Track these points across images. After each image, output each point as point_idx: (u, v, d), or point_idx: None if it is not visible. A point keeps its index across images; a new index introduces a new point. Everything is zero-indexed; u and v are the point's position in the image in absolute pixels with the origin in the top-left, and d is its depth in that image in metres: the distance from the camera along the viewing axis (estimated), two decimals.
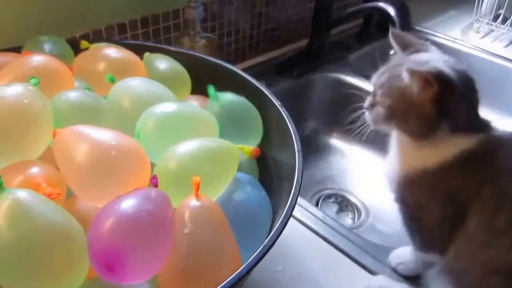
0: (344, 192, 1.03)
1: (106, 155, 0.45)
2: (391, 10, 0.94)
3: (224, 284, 0.38)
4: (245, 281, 0.44)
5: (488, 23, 1.31)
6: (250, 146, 0.55)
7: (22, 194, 0.39)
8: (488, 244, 0.51)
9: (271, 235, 0.43)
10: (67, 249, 0.39)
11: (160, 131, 0.53)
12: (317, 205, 0.99)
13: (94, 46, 0.67)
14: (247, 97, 0.62)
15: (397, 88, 0.55)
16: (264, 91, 0.64)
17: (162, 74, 0.65)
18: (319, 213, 0.74)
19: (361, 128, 0.62)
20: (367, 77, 1.04)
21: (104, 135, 0.46)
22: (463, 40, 1.29)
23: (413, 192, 0.57)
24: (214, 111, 0.59)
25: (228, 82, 0.67)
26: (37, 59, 0.58)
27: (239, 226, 0.48)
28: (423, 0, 1.47)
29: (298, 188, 0.49)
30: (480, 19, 1.31)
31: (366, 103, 0.60)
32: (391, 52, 0.64)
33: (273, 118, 0.61)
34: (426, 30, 1.34)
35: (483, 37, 1.30)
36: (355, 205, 1.00)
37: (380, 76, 0.59)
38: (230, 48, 1.12)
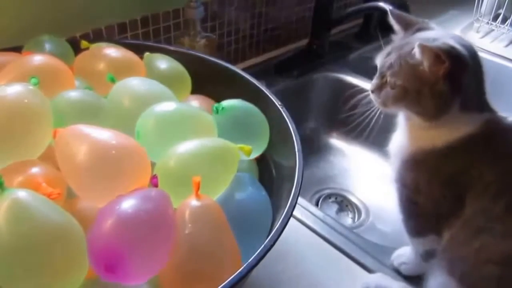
0: (344, 192, 1.03)
1: (106, 154, 0.45)
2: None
3: (225, 284, 0.38)
4: (245, 281, 0.43)
5: (488, 23, 1.31)
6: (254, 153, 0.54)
7: (22, 194, 0.39)
8: (483, 230, 0.51)
9: (271, 235, 0.43)
10: (67, 249, 0.39)
11: (160, 131, 0.53)
12: (317, 204, 0.99)
13: (94, 45, 0.67)
14: (247, 97, 0.62)
15: (409, 67, 0.53)
16: (264, 91, 0.64)
17: (162, 74, 0.65)
18: (319, 213, 0.74)
19: (364, 121, 0.62)
20: (367, 76, 1.04)
21: (104, 135, 0.46)
22: None
23: (416, 173, 0.57)
24: (218, 119, 0.58)
25: (228, 82, 0.67)
26: (38, 59, 0.58)
27: (239, 226, 0.48)
28: None
29: (298, 188, 0.49)
30: (480, 19, 1.31)
31: (372, 86, 0.59)
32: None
33: (273, 118, 0.61)
34: None
35: (483, 36, 1.30)
36: (355, 205, 1.00)
37: (386, 56, 0.57)
38: (230, 48, 1.12)
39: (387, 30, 0.61)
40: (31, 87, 0.50)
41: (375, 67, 0.59)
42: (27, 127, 0.48)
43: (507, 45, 1.25)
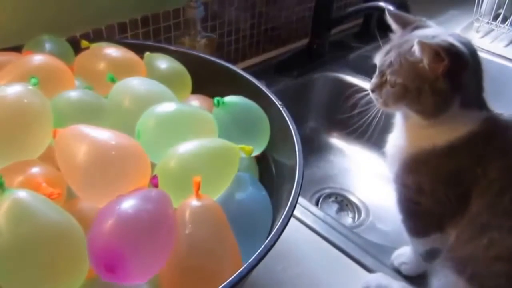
0: (344, 192, 1.03)
1: (106, 155, 0.45)
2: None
3: (225, 285, 0.38)
4: (245, 281, 0.44)
5: (488, 23, 1.31)
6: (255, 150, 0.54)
7: (23, 194, 0.39)
8: (490, 226, 0.51)
9: (271, 235, 0.43)
10: (67, 249, 0.39)
11: (161, 131, 0.53)
12: (317, 204, 0.99)
13: (94, 45, 0.67)
14: (247, 96, 0.62)
15: (408, 64, 0.53)
16: (265, 90, 0.64)
17: (162, 74, 0.65)
18: (319, 213, 0.74)
19: (364, 121, 0.62)
20: (367, 76, 1.04)
21: (104, 135, 0.46)
22: None
23: (417, 174, 0.57)
24: (219, 115, 0.58)
25: (228, 82, 0.67)
26: (38, 59, 0.58)
27: (239, 226, 0.48)
28: None
29: (299, 188, 0.49)
30: (480, 19, 1.31)
31: (372, 85, 0.59)
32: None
33: (274, 117, 0.61)
34: None
35: (483, 36, 1.30)
36: (355, 204, 1.00)
37: (385, 55, 0.57)
38: (231, 48, 1.12)
39: (387, 30, 0.62)
40: (31, 87, 0.50)
41: (375, 67, 0.59)
42: (27, 127, 0.48)
43: (507, 45, 1.25)
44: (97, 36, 0.84)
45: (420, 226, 0.60)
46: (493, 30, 1.31)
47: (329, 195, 1.02)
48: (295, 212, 0.72)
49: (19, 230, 0.37)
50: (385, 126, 0.63)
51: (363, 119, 0.62)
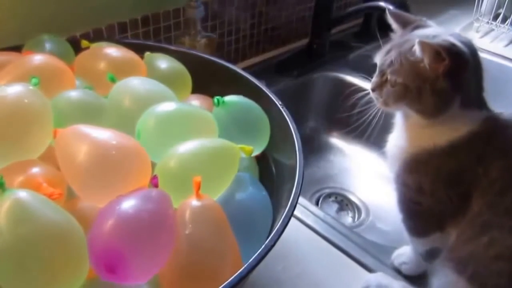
0: (344, 191, 1.03)
1: (107, 155, 0.45)
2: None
3: (225, 285, 0.38)
4: (246, 281, 0.43)
5: (488, 23, 1.31)
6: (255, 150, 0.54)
7: (23, 194, 0.39)
8: (491, 225, 0.51)
9: (272, 235, 0.43)
10: (67, 249, 0.39)
11: (161, 131, 0.53)
12: (317, 204, 0.99)
13: (94, 45, 0.67)
14: (247, 96, 0.62)
15: (409, 64, 0.53)
16: (265, 90, 0.64)
17: (162, 74, 0.65)
18: (319, 212, 0.74)
19: (364, 120, 0.62)
20: (367, 76, 1.04)
21: (104, 135, 0.46)
22: None
23: (418, 173, 0.57)
24: (219, 115, 0.58)
25: (229, 81, 0.67)
26: (38, 59, 0.58)
27: (239, 226, 0.48)
28: None
29: (299, 188, 0.49)
30: (480, 19, 1.31)
31: (372, 84, 0.59)
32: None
33: (274, 117, 0.61)
34: None
35: (483, 36, 1.30)
36: (355, 204, 1.00)
37: (386, 54, 0.57)
38: (231, 47, 1.12)
39: (387, 30, 0.62)
40: (31, 87, 0.50)
41: (375, 66, 0.59)
42: (27, 127, 0.48)
43: (507, 45, 1.25)
44: (97, 36, 0.84)
45: (420, 226, 0.60)
46: (493, 30, 1.31)
47: (329, 195, 1.02)
48: (295, 212, 0.72)
49: (19, 230, 0.37)
50: (385, 126, 0.63)
51: (363, 119, 0.62)
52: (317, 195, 1.01)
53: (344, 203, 1.00)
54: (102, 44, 0.68)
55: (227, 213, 0.47)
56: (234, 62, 1.12)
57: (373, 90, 0.59)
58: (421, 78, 0.53)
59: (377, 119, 0.61)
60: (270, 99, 0.62)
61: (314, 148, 1.14)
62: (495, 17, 1.30)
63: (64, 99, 0.55)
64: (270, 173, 0.61)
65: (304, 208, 0.74)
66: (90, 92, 0.58)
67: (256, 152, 0.60)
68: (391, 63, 0.55)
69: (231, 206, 0.50)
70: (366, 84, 1.05)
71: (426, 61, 0.52)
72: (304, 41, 1.22)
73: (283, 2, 1.17)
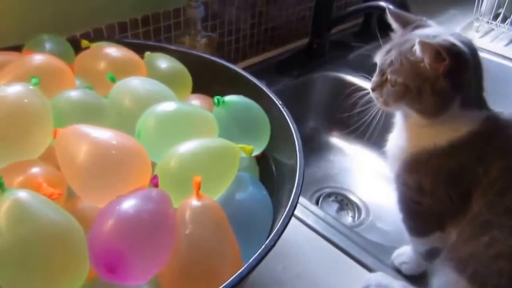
0: (344, 191, 1.03)
1: (107, 154, 0.45)
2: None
3: (225, 285, 0.38)
4: (246, 281, 0.43)
5: (488, 22, 1.31)
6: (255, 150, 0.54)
7: (23, 195, 0.39)
8: (491, 225, 0.51)
9: (272, 235, 0.43)
10: (67, 249, 0.39)
11: (161, 131, 0.52)
12: (317, 203, 0.99)
13: (95, 45, 0.67)
14: (248, 96, 0.62)
15: (409, 63, 0.53)
16: (265, 90, 0.64)
17: (163, 73, 0.65)
18: (319, 212, 0.74)
19: (364, 120, 0.62)
20: (367, 76, 1.04)
21: (104, 135, 0.46)
22: None
23: (418, 173, 0.57)
24: (219, 115, 0.58)
25: (229, 81, 0.67)
26: (38, 58, 0.58)
27: (240, 225, 0.48)
28: None
29: (299, 187, 0.49)
30: (480, 18, 1.31)
31: (372, 83, 0.59)
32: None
33: (274, 117, 0.61)
34: None
35: (483, 36, 1.30)
36: (356, 203, 1.00)
37: (386, 54, 0.57)
38: (231, 47, 1.12)
39: (387, 29, 0.62)
40: (31, 87, 0.50)
41: (375, 66, 0.59)
42: (27, 127, 0.48)
43: (507, 45, 1.25)
44: (97, 36, 0.84)
45: (420, 225, 0.60)
46: (493, 29, 1.31)
47: (329, 195, 1.02)
48: (295, 212, 0.72)
49: (19, 230, 0.37)
50: (385, 126, 0.63)
51: (363, 119, 0.62)
52: (317, 194, 1.01)
53: (344, 202, 1.00)
54: (102, 44, 0.68)
55: (227, 213, 0.47)
56: (234, 62, 1.12)
57: (373, 89, 0.59)
58: (421, 78, 0.53)
59: (377, 119, 0.61)
60: (270, 99, 0.62)
61: (314, 148, 1.14)
62: (495, 17, 1.30)
63: (64, 99, 0.55)
64: (270, 173, 0.61)
65: (304, 208, 0.74)
66: (90, 92, 0.58)
67: (256, 152, 0.60)
68: (391, 62, 0.55)
69: (231, 206, 0.50)
70: (366, 84, 1.04)
71: (426, 61, 0.52)
72: (304, 41, 1.22)
73: (283, 2, 1.17)
